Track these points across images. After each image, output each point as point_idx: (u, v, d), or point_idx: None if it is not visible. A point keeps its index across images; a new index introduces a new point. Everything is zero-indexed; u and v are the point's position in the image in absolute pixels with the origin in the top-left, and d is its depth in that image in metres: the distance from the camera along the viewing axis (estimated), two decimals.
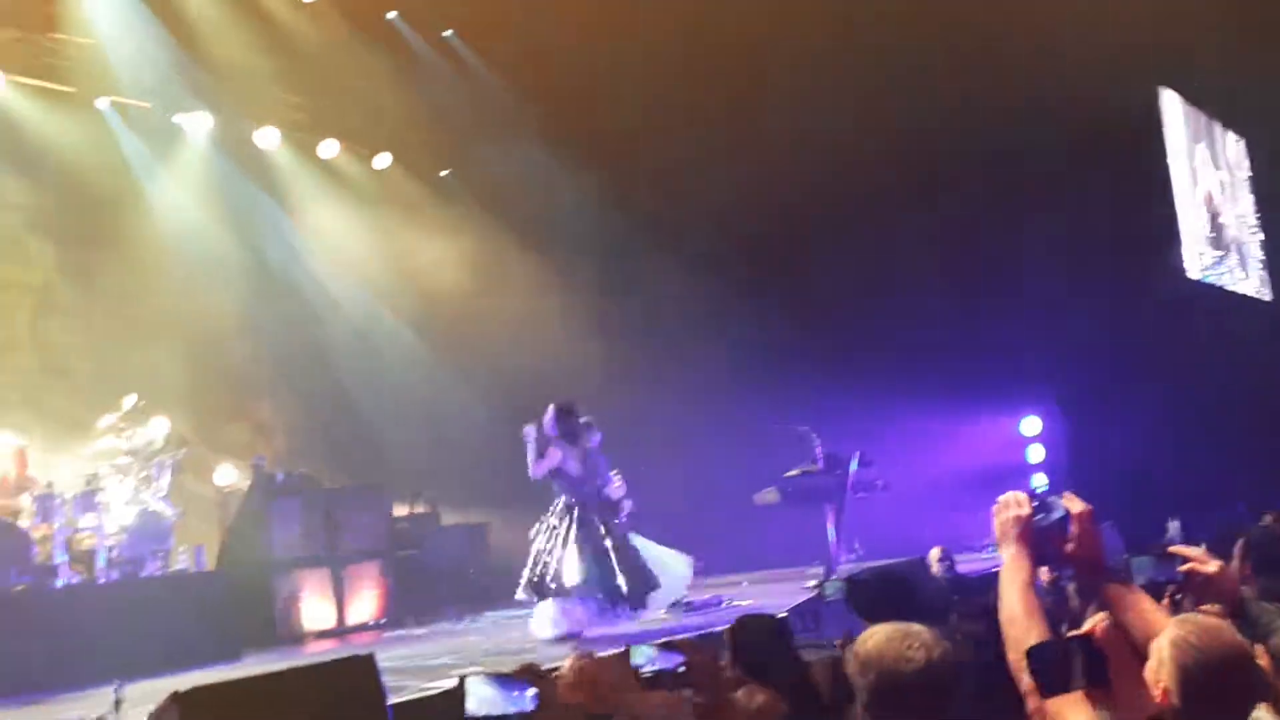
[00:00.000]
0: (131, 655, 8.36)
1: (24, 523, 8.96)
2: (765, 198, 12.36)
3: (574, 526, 8.26)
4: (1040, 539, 2.69)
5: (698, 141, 12.25)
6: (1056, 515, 2.73)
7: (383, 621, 10.97)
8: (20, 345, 11.54)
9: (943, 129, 11.95)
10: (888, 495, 10.89)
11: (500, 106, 12.91)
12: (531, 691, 3.27)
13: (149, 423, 10.17)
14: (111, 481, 9.61)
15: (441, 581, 11.89)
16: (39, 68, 11.33)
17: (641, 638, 6.84)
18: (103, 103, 11.82)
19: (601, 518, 8.40)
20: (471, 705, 3.26)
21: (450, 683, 6.39)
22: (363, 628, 10.76)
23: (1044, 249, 12.30)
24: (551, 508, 8.47)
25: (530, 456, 8.39)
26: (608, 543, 8.23)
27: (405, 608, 11.23)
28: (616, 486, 9.76)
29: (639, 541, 8.59)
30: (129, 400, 10.05)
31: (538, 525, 8.53)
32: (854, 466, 10.17)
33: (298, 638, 10.31)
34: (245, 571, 10.15)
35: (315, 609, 10.60)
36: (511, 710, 3.22)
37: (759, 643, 3.30)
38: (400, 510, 12.19)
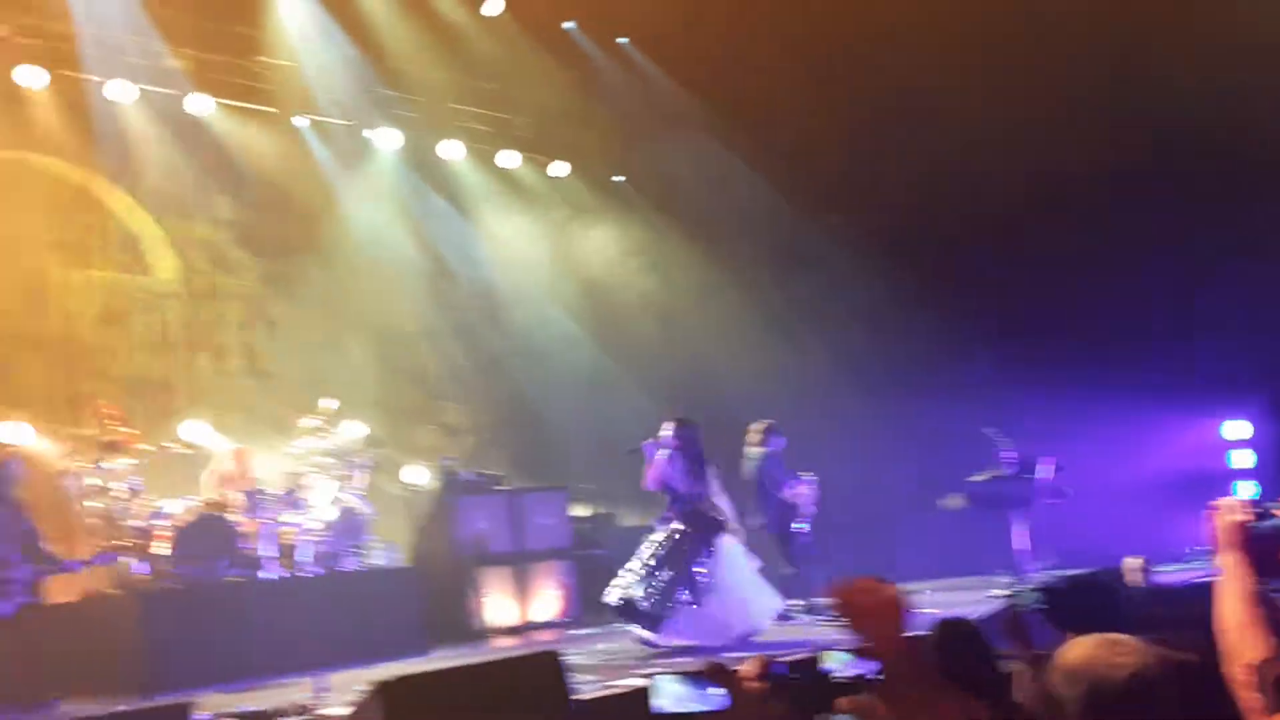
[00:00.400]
0: (331, 646, 8.82)
1: (234, 517, 9.54)
2: (952, 190, 11.98)
3: (671, 544, 8.31)
4: (1260, 547, 2.54)
5: (876, 135, 12.01)
6: (1276, 523, 2.58)
7: (564, 620, 11.18)
8: (230, 351, 12.31)
9: (1144, 118, 11.32)
10: (1079, 501, 10.45)
11: (675, 110, 12.99)
12: (720, 691, 3.27)
13: (346, 424, 10.68)
14: (313, 480, 10.13)
15: None
16: (243, 90, 12.06)
17: (826, 644, 6.76)
18: (300, 121, 12.49)
19: (703, 537, 8.37)
20: (660, 703, 3.28)
21: (632, 681, 6.48)
22: (545, 625, 11.00)
23: (1251, 247, 11.53)
24: (661, 521, 8.52)
25: (646, 468, 8.51)
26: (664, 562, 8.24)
27: (585, 607, 11.42)
28: (802, 492, 9.68)
29: (742, 564, 8.49)
30: (328, 403, 10.57)
31: (648, 534, 8.63)
32: (1044, 471, 9.81)
33: (483, 633, 10.63)
34: (434, 568, 10.53)
35: (500, 606, 10.90)
36: (701, 709, 3.22)
37: (962, 649, 3.20)
38: (580, 511, 12.41)
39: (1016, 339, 12.10)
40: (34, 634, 8.31)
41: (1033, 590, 5.90)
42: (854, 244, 12.38)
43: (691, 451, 8.52)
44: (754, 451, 9.74)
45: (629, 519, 12.97)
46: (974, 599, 9.30)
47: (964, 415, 10.68)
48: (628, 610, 8.31)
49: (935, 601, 9.93)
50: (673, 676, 3.34)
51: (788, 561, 9.62)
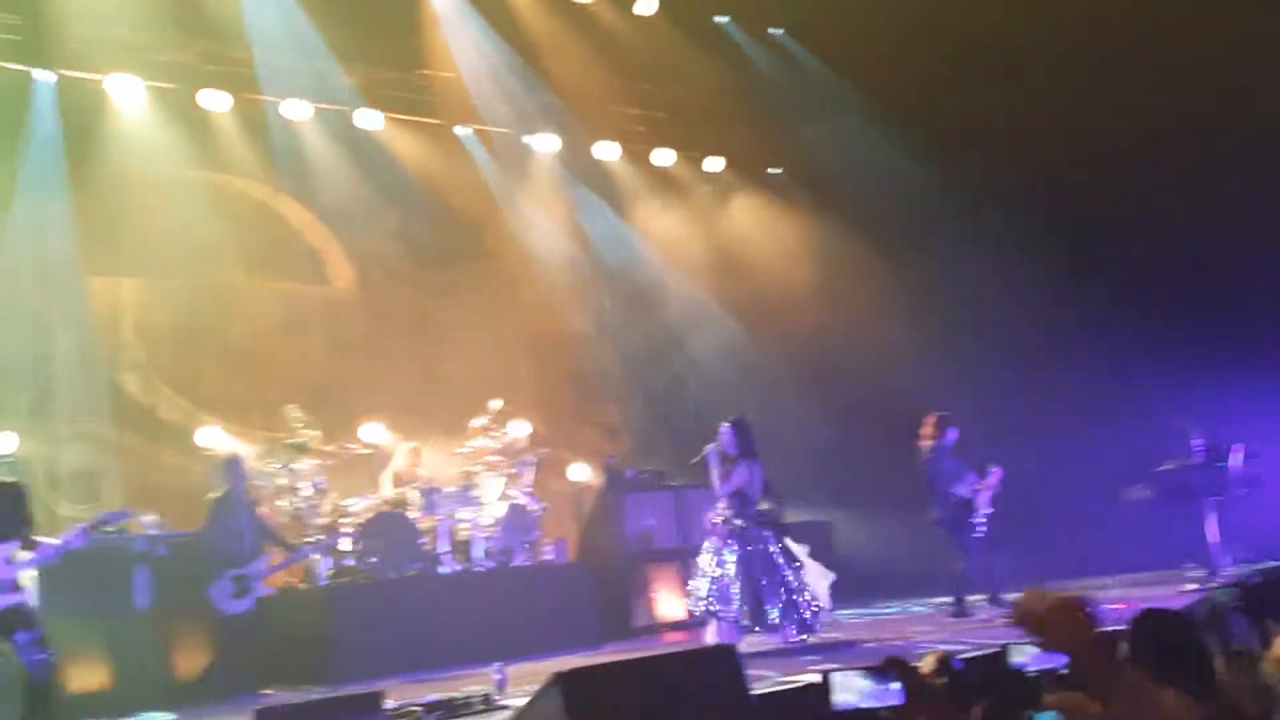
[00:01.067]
0: (505, 639, 9.06)
1: (412, 514, 9.91)
2: (1128, 168, 11.40)
3: (739, 550, 8.15)
4: None
5: (1042, 111, 11.47)
6: None
7: None
8: (402, 356, 12.76)
9: None
10: (1275, 490, 9.85)
11: (832, 97, 12.79)
12: (897, 685, 3.23)
13: (512, 424, 10.96)
14: (484, 478, 10.43)
15: None
16: (409, 103, 12.50)
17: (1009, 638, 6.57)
18: (462, 130, 12.86)
19: (767, 536, 8.22)
20: (841, 698, 3.26)
21: (805, 676, 6.43)
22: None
23: None
24: (721, 526, 8.29)
25: (714, 476, 8.28)
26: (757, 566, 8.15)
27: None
28: (981, 487, 9.35)
29: (799, 556, 8.32)
30: (495, 404, 10.85)
31: (708, 544, 8.46)
32: (1236, 458, 9.28)
33: (651, 628, 10.72)
34: (602, 564, 10.68)
35: (666, 601, 10.97)
36: (879, 704, 3.19)
37: (1168, 640, 3.06)
38: None
39: (1205, 321, 11.42)
40: (249, 627, 8.79)
41: (1230, 583, 5.61)
42: (1026, 227, 11.89)
43: (752, 450, 8.35)
44: (927, 444, 9.50)
45: (794, 514, 12.87)
46: (1166, 594, 8.87)
47: (1150, 402, 10.18)
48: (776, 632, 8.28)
49: (1120, 596, 9.53)
50: (853, 672, 3.31)
51: (963, 555, 9.34)
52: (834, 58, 12.83)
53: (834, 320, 13.12)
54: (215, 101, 11.30)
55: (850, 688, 3.34)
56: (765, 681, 6.39)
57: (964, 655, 4.90)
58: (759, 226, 13.99)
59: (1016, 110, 11.78)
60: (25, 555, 6.44)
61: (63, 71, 10.58)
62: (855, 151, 12.81)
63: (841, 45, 12.42)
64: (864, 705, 3.28)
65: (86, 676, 8.18)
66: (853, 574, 11.91)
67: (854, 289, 13.17)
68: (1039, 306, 12.10)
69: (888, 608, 10.73)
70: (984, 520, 9.38)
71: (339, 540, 9.48)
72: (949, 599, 9.44)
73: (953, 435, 9.50)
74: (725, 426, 8.40)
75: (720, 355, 13.81)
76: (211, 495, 8.97)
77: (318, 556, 9.43)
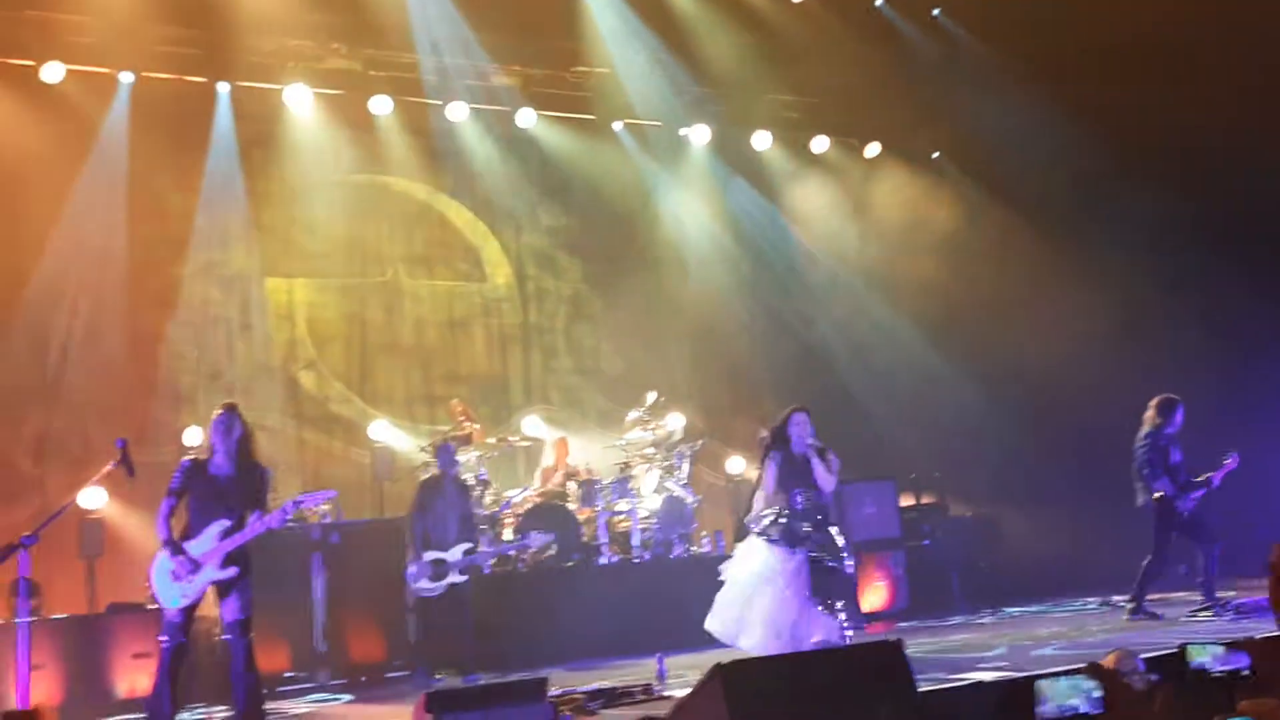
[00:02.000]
0: (665, 630, 9.05)
1: (570, 505, 10.05)
2: None
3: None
4: None
5: (1257, 98, 10.63)
6: None
7: (891, 611, 10.96)
8: (558, 349, 13.01)
9: None
10: None
11: (997, 80, 12.29)
12: (1099, 692, 3.14)
13: (668, 416, 10.99)
14: (640, 470, 10.50)
15: (951, 573, 11.66)
16: (565, 101, 12.67)
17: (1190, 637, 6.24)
18: (617, 126, 12.97)
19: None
20: (1044, 702, 3.20)
21: (974, 675, 6.25)
22: (873, 616, 10.81)
23: None
24: (786, 518, 7.73)
25: (819, 467, 7.49)
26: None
27: (914, 598, 11.15)
28: (1201, 480, 8.75)
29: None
30: (650, 396, 10.90)
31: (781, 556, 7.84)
32: None
33: None
34: None
35: None
36: (1084, 709, 3.10)
37: None
38: (906, 501, 12.12)
39: None
40: (421, 614, 8.87)
41: None
42: (1236, 230, 11.05)
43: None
44: (1148, 428, 8.92)
45: (958, 509, 12.54)
46: None
47: None
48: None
49: None
50: (1052, 677, 3.26)
51: (1155, 549, 8.78)
52: (998, 39, 12.32)
53: (1001, 309, 12.65)
54: (381, 106, 11.69)
55: (1057, 693, 3.28)
56: (928, 680, 6.24)
57: (1146, 654, 4.67)
58: (919, 211, 13.62)
59: (1184, 87, 11.03)
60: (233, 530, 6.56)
61: (239, 83, 11.13)
62: (1021, 134, 12.28)
63: (1008, 25, 11.92)
64: (1069, 711, 3.23)
65: (265, 658, 8.54)
66: (1024, 569, 11.54)
67: (1026, 280, 12.61)
68: (1231, 293, 11.30)
69: (1055, 607, 10.33)
70: (1188, 510, 8.74)
71: (533, 541, 9.16)
72: (1129, 597, 8.91)
73: (1178, 420, 8.87)
74: (803, 415, 7.59)
75: (880, 346, 13.52)
76: (422, 478, 9.09)
77: (528, 546, 9.24)
